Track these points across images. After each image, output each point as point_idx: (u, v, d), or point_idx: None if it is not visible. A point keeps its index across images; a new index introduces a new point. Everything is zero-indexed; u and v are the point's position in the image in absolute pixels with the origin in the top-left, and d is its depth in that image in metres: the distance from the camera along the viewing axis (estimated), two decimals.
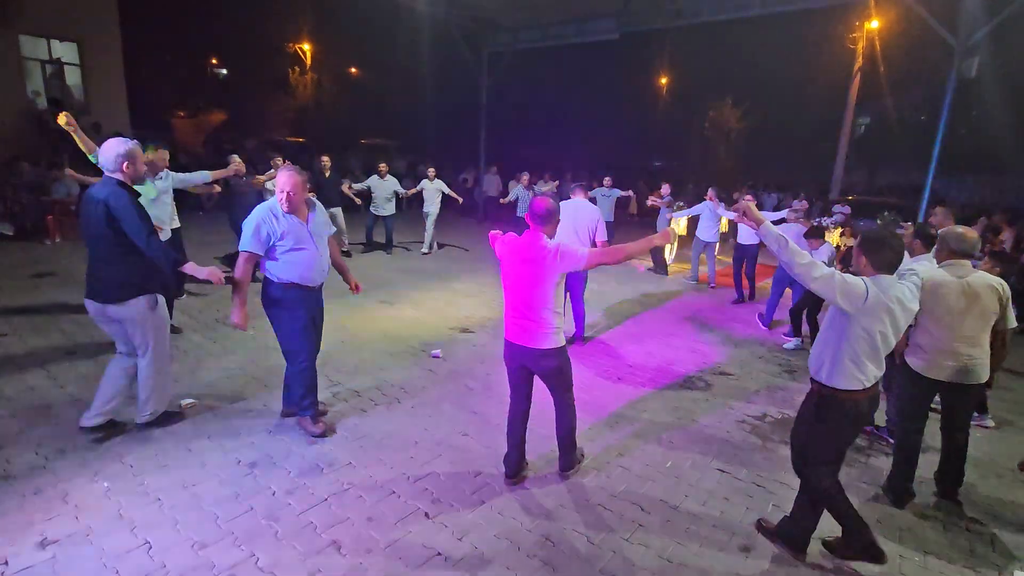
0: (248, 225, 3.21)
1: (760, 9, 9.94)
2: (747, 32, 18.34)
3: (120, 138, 3.24)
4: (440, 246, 10.43)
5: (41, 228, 8.95)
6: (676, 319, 6.87)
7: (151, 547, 2.51)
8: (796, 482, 3.33)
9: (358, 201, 9.50)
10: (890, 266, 2.44)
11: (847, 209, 10.88)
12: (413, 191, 10.01)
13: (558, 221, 2.99)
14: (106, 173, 3.18)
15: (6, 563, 2.36)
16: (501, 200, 11.90)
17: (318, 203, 3.50)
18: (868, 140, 25.95)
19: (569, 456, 3.29)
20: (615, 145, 26.25)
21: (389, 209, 9.50)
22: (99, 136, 11.42)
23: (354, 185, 9.63)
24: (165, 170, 5.13)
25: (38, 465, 3.06)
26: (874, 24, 17.63)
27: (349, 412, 3.90)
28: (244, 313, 3.29)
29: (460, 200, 10.83)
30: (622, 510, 3.01)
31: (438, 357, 5.01)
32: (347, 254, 8.99)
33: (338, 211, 8.65)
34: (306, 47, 26.24)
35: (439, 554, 2.59)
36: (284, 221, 3.24)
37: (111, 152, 3.13)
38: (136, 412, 3.43)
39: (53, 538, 2.52)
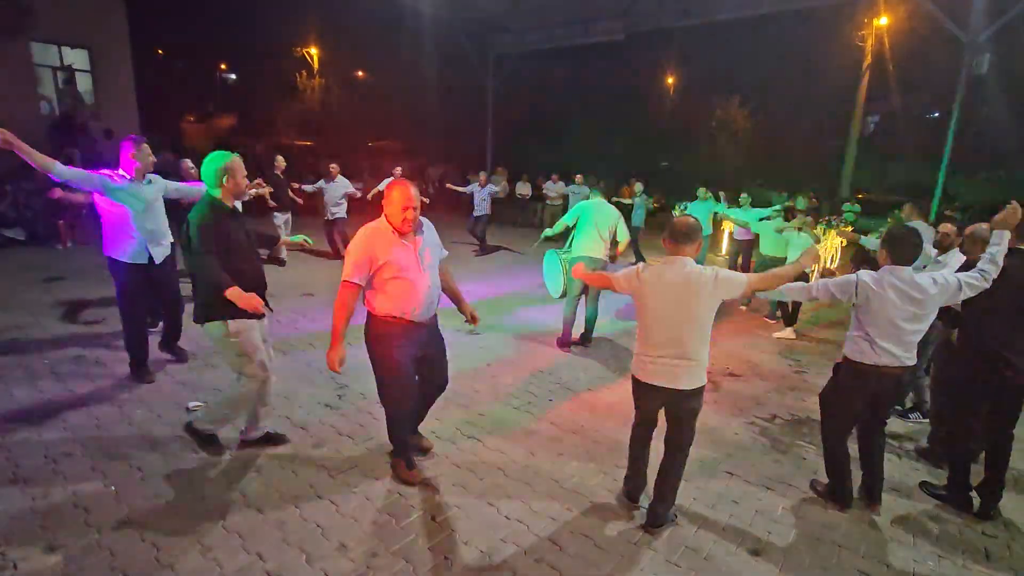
0: (354, 249, 2.78)
1: (767, 7, 9.89)
2: (754, 31, 18.24)
3: (220, 151, 3.05)
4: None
5: (53, 233, 9.05)
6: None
7: (159, 550, 2.52)
8: (805, 484, 3.32)
9: (300, 201, 8.89)
10: (906, 259, 2.83)
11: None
12: (376, 190, 9.22)
13: (701, 242, 2.71)
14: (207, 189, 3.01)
15: (15, 567, 2.38)
16: (458, 188, 11.15)
17: (428, 222, 3.02)
18: (877, 138, 25.71)
19: (668, 507, 2.87)
20: (622, 145, 26.15)
21: (340, 212, 8.95)
22: (110, 141, 11.57)
23: (304, 187, 9.07)
24: (150, 175, 4.18)
25: (47, 468, 3.08)
26: (883, 21, 17.46)
27: (355, 414, 3.90)
28: (341, 353, 2.80)
29: (426, 201, 10.33)
30: (631, 516, 2.98)
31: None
32: (282, 262, 8.50)
33: (290, 217, 8.58)
34: (314, 51, 26.37)
35: (446, 558, 2.58)
36: (392, 245, 2.80)
37: (210, 166, 2.96)
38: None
39: (62, 542, 2.53)
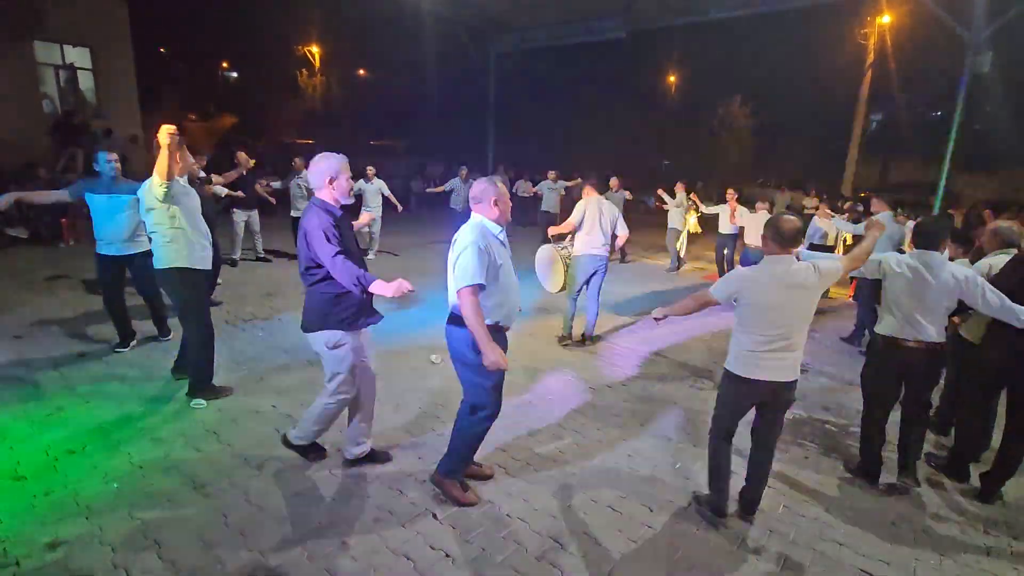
0: (471, 250, 2.60)
1: (769, 5, 9.87)
2: (756, 29, 18.21)
3: (327, 152, 2.90)
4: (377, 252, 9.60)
5: (56, 231, 9.07)
6: (685, 316, 6.81)
7: (161, 547, 2.52)
8: (808, 483, 3.31)
9: (272, 201, 8.74)
10: (928, 244, 3.16)
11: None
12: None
13: (802, 241, 2.81)
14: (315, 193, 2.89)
15: (17, 564, 2.39)
16: (436, 189, 11.07)
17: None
18: (880, 137, 25.65)
19: (761, 493, 2.96)
20: (623, 144, 26.13)
21: (377, 213, 8.94)
22: (110, 141, 11.58)
23: (273, 184, 8.82)
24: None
25: (48, 465, 3.09)
26: (885, 19, 17.43)
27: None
28: (498, 348, 2.63)
29: (400, 208, 9.75)
30: (631, 511, 2.98)
31: (436, 363, 4.94)
32: (233, 263, 8.06)
33: (255, 215, 8.20)
34: (315, 50, 26.40)
35: (447, 555, 2.58)
36: (499, 245, 2.74)
37: (315, 168, 2.85)
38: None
39: (64, 538, 2.54)
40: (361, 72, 29.35)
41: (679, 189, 9.79)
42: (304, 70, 26.80)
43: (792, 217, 2.77)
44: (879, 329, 3.27)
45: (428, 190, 11.45)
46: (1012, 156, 18.04)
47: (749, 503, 2.97)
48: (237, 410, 3.84)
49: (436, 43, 19.03)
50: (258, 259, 8.56)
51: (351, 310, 2.88)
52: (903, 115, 22.62)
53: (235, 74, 29.79)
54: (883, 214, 5.88)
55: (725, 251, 8.70)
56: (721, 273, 8.46)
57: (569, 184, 11.37)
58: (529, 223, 13.68)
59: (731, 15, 10.38)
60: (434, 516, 2.85)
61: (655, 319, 3.22)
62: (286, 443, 3.21)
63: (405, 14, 13.87)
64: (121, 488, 2.93)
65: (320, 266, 2.78)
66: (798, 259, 2.79)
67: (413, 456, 3.38)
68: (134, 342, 4.82)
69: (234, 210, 7.93)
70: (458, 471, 2.99)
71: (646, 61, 26.57)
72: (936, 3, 8.23)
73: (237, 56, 27.81)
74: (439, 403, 4.13)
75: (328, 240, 2.72)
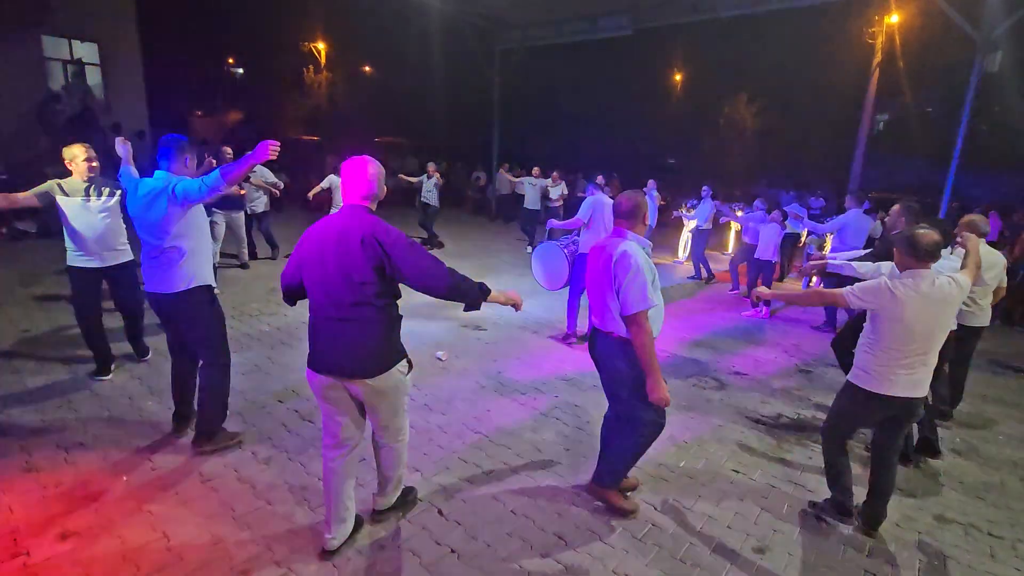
0: (640, 273, 2.50)
1: (776, 4, 9.81)
2: (763, 27, 18.11)
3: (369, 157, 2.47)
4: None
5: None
6: (688, 317, 6.82)
7: (169, 540, 2.55)
8: (812, 484, 3.32)
9: (276, 192, 8.09)
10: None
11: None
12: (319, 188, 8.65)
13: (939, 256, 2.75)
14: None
15: (27, 553, 2.42)
16: (411, 180, 10.49)
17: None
18: (887, 137, 25.49)
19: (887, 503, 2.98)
20: (629, 142, 26.06)
21: (262, 204, 8.13)
22: (119, 135, 11.62)
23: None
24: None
25: (59, 458, 3.12)
26: (893, 19, 17.29)
27: None
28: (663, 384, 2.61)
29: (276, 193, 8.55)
30: (636, 512, 2.99)
31: (442, 359, 4.95)
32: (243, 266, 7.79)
33: (240, 216, 7.43)
34: (320, 46, 26.40)
35: (452, 551, 2.60)
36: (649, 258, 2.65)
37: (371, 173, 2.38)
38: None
39: (74, 530, 2.57)
40: (366, 69, 29.36)
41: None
42: (310, 66, 26.81)
43: (930, 230, 2.63)
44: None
45: (402, 176, 10.75)
46: (1022, 155, 17.88)
47: (873, 519, 2.91)
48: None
49: (441, 40, 19.01)
50: (242, 266, 7.81)
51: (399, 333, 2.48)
52: (910, 115, 22.47)
53: (241, 70, 29.85)
54: (854, 210, 6.54)
55: (761, 276, 7.95)
56: (735, 279, 8.29)
57: (548, 183, 11.08)
58: (503, 216, 13.68)
59: (738, 13, 10.31)
60: (439, 512, 2.87)
61: (756, 298, 3.23)
62: (379, 515, 2.76)
63: (410, 10, 13.86)
64: (130, 480, 2.96)
65: (388, 289, 2.29)
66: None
67: (418, 453, 3.40)
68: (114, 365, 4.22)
69: (215, 211, 6.93)
70: (619, 482, 2.98)
71: (652, 59, 26.46)
72: (945, 1, 8.17)
73: (243, 52, 27.85)
74: (443, 399, 4.15)
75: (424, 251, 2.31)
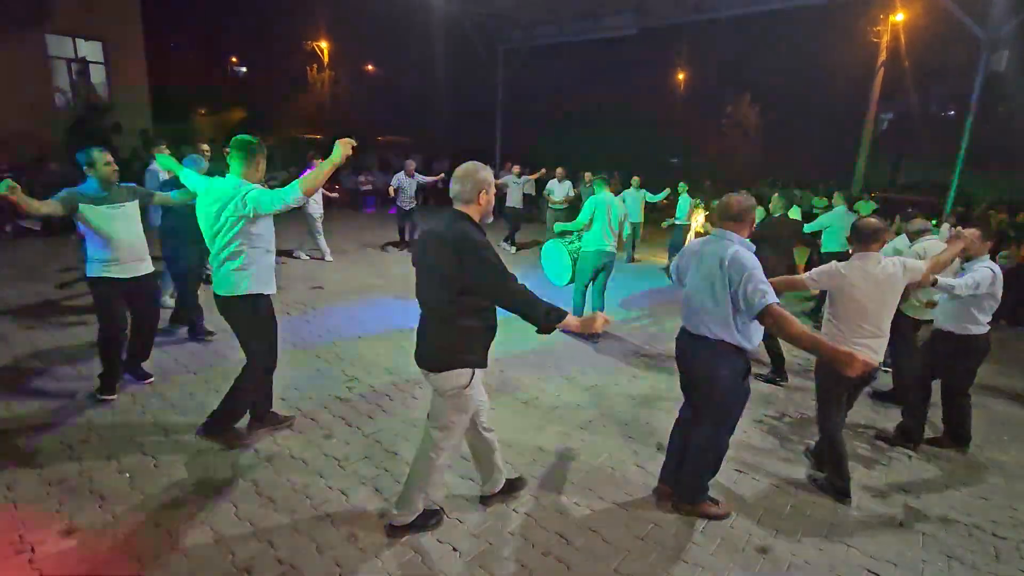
0: (758, 269, 2.49)
1: (780, 3, 9.78)
2: (767, 27, 18.06)
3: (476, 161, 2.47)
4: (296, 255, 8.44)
5: (68, 224, 9.12)
6: (678, 313, 6.79)
7: (172, 536, 2.55)
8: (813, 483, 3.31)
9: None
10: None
11: None
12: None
13: (885, 240, 3.09)
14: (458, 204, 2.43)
15: (32, 550, 2.43)
16: (390, 189, 9.68)
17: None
18: (891, 136, 25.42)
19: None
20: (632, 141, 26.04)
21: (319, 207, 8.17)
22: (120, 135, 11.66)
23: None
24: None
25: (63, 454, 3.13)
26: (899, 17, 17.22)
27: (365, 407, 3.93)
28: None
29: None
30: (637, 511, 2.99)
31: None
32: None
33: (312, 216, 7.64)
34: (323, 45, 26.45)
35: (454, 549, 2.60)
36: None
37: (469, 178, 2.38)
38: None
39: (78, 526, 2.58)
40: (369, 68, 29.40)
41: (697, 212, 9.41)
42: (313, 65, 26.87)
43: (869, 218, 3.10)
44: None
45: (390, 189, 9.72)
46: None
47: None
48: None
49: (445, 39, 19.04)
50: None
51: (486, 345, 2.53)
52: (915, 114, 22.39)
53: (244, 69, 29.93)
54: (840, 207, 6.80)
55: None
56: None
57: (532, 178, 11.01)
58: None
59: (742, 12, 10.29)
60: (441, 509, 2.87)
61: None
62: (394, 532, 2.65)
63: (414, 10, 13.86)
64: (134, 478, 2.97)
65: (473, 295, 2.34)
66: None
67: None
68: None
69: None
70: (708, 488, 2.97)
71: (656, 58, 26.44)
72: (951, 1, 8.13)
73: (247, 51, 27.94)
74: None
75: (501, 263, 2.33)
